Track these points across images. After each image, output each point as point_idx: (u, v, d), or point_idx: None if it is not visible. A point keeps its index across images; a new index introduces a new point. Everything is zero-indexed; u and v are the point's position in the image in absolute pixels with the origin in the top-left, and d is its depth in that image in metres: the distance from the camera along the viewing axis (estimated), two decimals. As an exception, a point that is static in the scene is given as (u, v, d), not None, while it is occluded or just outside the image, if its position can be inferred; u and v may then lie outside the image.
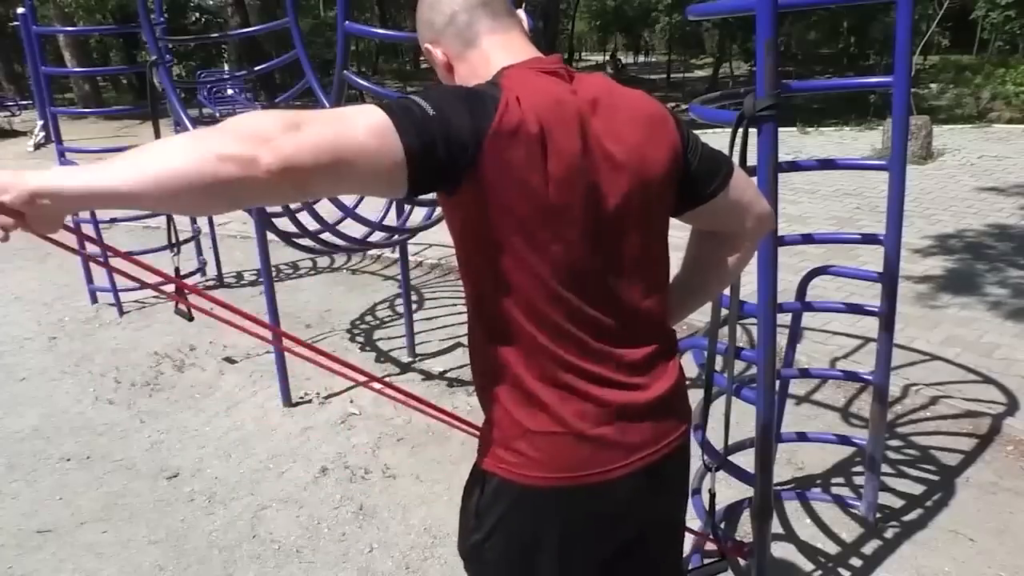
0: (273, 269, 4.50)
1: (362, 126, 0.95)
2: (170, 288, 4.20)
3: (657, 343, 1.22)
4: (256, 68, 10.48)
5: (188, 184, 0.88)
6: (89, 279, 5.25)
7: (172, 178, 0.88)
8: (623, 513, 1.22)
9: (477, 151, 1.00)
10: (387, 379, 1.46)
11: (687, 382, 1.30)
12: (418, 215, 4.21)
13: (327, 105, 3.11)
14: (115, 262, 1.27)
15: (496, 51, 1.18)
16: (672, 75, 28.01)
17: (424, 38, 1.25)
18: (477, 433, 1.28)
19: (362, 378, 1.45)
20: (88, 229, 5.07)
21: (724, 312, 2.08)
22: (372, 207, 4.13)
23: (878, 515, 2.71)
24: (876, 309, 2.46)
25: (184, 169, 0.88)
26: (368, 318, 4.96)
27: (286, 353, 3.75)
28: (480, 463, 1.23)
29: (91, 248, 4.20)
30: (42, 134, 12.91)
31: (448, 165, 1.00)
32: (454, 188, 1.05)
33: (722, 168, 1.25)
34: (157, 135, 4.21)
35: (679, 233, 1.25)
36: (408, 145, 0.96)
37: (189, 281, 5.32)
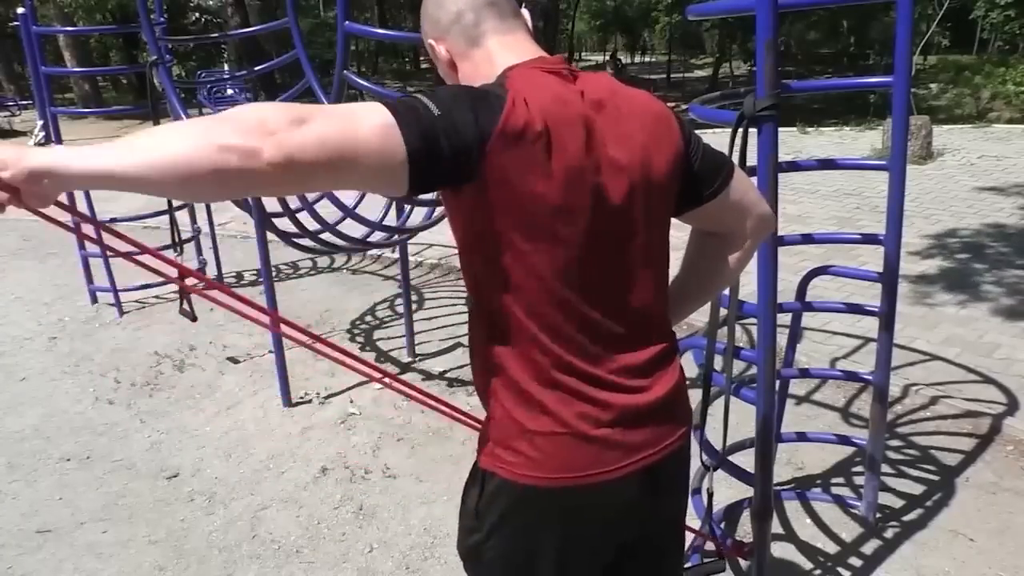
0: (273, 269, 4.50)
1: (367, 124, 0.95)
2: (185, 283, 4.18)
3: (658, 344, 1.22)
4: (256, 68, 10.48)
5: (189, 172, 0.89)
6: (89, 279, 5.25)
7: (173, 165, 0.89)
8: (623, 514, 1.22)
9: (481, 153, 1.00)
10: (389, 378, 1.43)
11: (687, 382, 1.30)
12: (418, 215, 4.21)
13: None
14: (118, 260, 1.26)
15: (501, 51, 1.18)
16: (672, 75, 28.02)
17: (428, 34, 1.24)
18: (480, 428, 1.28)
19: (374, 374, 1.44)
20: (89, 230, 5.06)
21: (723, 312, 2.08)
22: (372, 207, 4.13)
23: (878, 515, 2.71)
24: (876, 309, 2.46)
25: (186, 157, 0.88)
26: (368, 318, 4.96)
27: (286, 353, 3.76)
28: (480, 462, 1.23)
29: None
30: (42, 134, 12.86)
31: (451, 166, 1.00)
32: (457, 188, 1.05)
33: (723, 168, 1.25)
34: (157, 135, 4.21)
35: (678, 233, 1.25)
36: (410, 145, 0.96)
37: (189, 281, 5.32)
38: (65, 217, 1.09)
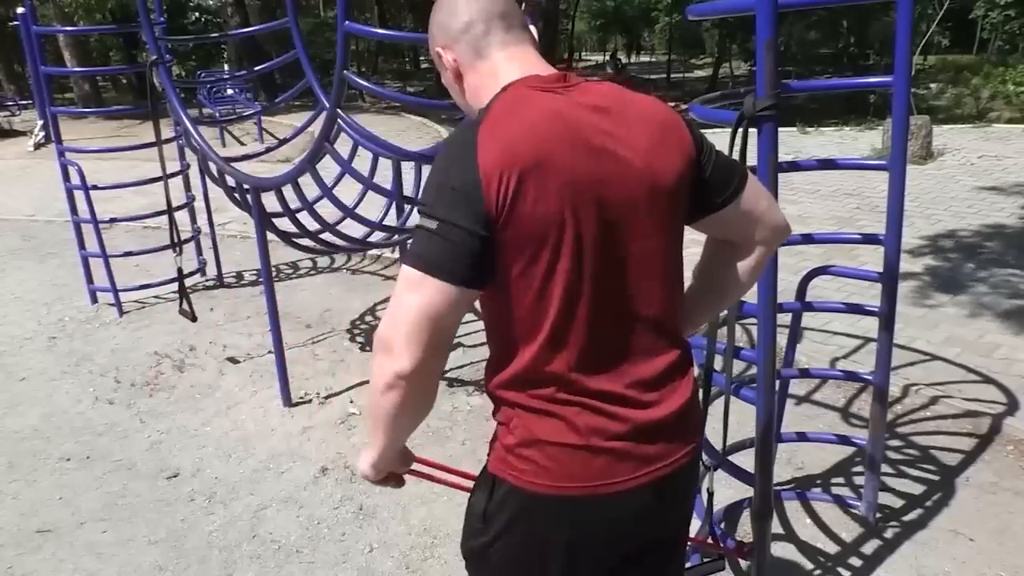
0: (273, 269, 4.51)
1: (415, 294, 1.07)
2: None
3: (671, 355, 1.21)
4: (256, 68, 10.48)
5: (399, 417, 1.17)
6: (89, 279, 5.25)
7: (391, 425, 1.19)
8: (630, 525, 1.22)
9: (489, 225, 1.05)
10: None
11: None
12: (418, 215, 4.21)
13: (327, 105, 3.10)
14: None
15: (505, 65, 1.19)
16: (672, 75, 27.99)
17: (436, 41, 1.24)
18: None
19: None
20: (88, 229, 5.07)
21: (723, 312, 2.07)
22: (372, 207, 4.13)
23: (878, 515, 2.71)
24: (876, 309, 2.46)
25: (385, 413, 1.16)
26: (368, 318, 4.96)
27: (286, 353, 3.76)
28: (489, 466, 1.23)
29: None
30: (42, 134, 12.90)
31: (480, 254, 1.06)
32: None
33: (736, 176, 1.24)
34: (157, 135, 4.21)
35: (691, 238, 1.25)
36: (449, 278, 1.06)
37: (189, 281, 5.31)
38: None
